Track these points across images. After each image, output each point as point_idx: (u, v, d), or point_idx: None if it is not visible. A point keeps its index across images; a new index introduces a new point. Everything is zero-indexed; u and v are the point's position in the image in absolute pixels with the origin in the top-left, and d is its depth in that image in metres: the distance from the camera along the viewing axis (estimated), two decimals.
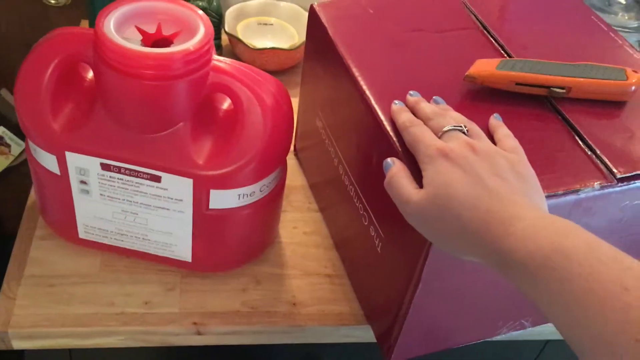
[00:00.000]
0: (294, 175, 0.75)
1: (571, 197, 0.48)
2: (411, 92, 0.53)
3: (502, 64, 0.55)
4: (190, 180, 0.54)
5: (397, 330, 0.56)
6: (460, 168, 0.43)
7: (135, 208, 0.57)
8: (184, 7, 0.53)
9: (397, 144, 0.50)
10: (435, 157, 0.44)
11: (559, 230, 0.38)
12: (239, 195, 0.56)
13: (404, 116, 0.49)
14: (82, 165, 0.55)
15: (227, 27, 0.90)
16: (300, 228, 0.70)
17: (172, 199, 0.56)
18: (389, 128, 0.51)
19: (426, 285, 0.51)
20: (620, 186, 0.49)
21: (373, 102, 0.54)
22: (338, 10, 0.64)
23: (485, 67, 0.55)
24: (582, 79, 0.54)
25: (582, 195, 0.48)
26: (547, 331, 0.64)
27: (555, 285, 0.36)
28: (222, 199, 0.55)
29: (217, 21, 0.89)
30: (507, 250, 0.39)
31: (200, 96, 0.52)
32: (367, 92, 0.55)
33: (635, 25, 0.90)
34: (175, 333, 0.60)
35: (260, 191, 0.57)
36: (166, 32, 0.52)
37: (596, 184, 0.48)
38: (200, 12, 0.53)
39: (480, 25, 0.63)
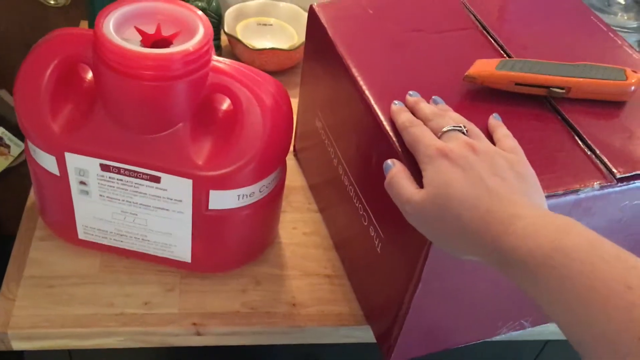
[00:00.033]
0: (294, 175, 0.75)
1: (571, 197, 0.48)
2: (410, 92, 0.53)
3: (502, 64, 0.55)
4: (190, 181, 0.54)
5: (397, 331, 0.56)
6: (460, 168, 0.43)
7: (135, 209, 0.57)
8: (183, 8, 0.53)
9: (397, 144, 0.50)
10: (435, 157, 0.44)
11: (560, 228, 0.38)
12: (239, 195, 0.55)
13: (403, 116, 0.50)
14: (81, 166, 0.55)
15: (226, 27, 0.90)
16: (300, 228, 0.70)
17: (171, 199, 0.56)
18: (388, 128, 0.51)
19: (426, 286, 0.51)
20: (620, 186, 0.49)
21: (372, 102, 0.54)
22: (337, 10, 0.64)
23: (485, 67, 0.55)
24: (581, 79, 0.54)
25: (581, 195, 0.48)
26: (546, 331, 0.64)
27: (557, 283, 0.36)
28: (221, 200, 0.55)
29: (217, 22, 0.89)
30: (508, 249, 0.39)
31: (199, 97, 0.52)
32: (367, 92, 0.55)
33: (635, 25, 0.90)
34: (175, 334, 0.60)
35: (260, 192, 0.57)
36: (165, 32, 0.52)
37: (596, 184, 0.48)
38: (200, 12, 0.53)
39: (479, 25, 0.63)
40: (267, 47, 0.88)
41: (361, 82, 0.55)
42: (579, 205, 0.49)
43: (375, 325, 0.60)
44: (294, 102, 0.63)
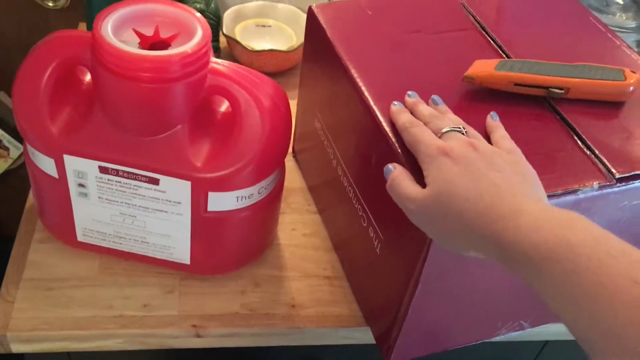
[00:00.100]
0: (293, 176, 0.75)
1: (570, 198, 0.48)
2: (409, 92, 0.53)
3: (501, 64, 0.55)
4: (189, 183, 0.53)
5: (396, 332, 0.56)
6: (461, 165, 0.43)
7: (134, 211, 0.57)
8: (181, 10, 0.53)
9: (396, 145, 0.50)
10: (436, 156, 0.44)
11: (564, 222, 0.38)
12: (237, 197, 0.55)
13: (403, 117, 0.50)
14: (80, 168, 0.55)
15: (225, 29, 0.90)
16: (299, 230, 0.70)
17: (170, 201, 0.56)
18: (387, 129, 0.51)
19: (425, 286, 0.51)
20: (619, 186, 0.49)
21: (372, 103, 0.54)
22: (336, 11, 0.64)
23: (484, 67, 0.55)
24: (580, 80, 0.54)
25: (581, 195, 0.48)
26: (546, 332, 0.64)
27: (562, 278, 0.36)
28: (220, 202, 0.55)
29: (215, 23, 0.89)
30: (512, 243, 0.39)
31: (198, 99, 0.52)
32: (366, 93, 0.54)
33: (633, 25, 0.90)
34: (174, 336, 0.59)
35: (259, 193, 0.57)
36: (164, 34, 0.52)
37: (595, 184, 0.48)
38: (198, 14, 0.53)
39: (478, 26, 0.63)
40: (266, 48, 0.88)
41: (360, 83, 0.55)
42: (578, 206, 0.49)
43: (375, 326, 0.60)
44: (293, 104, 0.63)
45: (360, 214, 0.58)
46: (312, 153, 0.72)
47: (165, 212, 0.57)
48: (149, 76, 0.49)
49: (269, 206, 0.61)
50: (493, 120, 0.50)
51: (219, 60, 0.54)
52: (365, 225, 0.57)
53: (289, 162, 0.76)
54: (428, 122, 0.48)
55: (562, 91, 0.54)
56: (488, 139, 0.48)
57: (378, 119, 0.52)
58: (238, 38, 0.89)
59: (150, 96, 0.50)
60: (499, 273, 0.54)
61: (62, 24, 1.00)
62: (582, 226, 0.38)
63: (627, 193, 0.50)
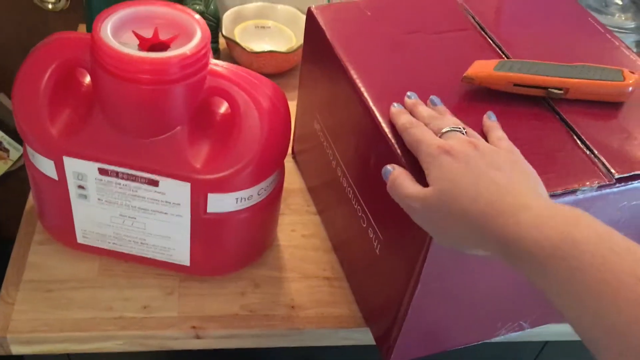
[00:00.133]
0: (292, 178, 0.75)
1: (570, 198, 0.48)
2: (409, 93, 0.53)
3: (500, 65, 0.55)
4: (188, 184, 0.54)
5: (396, 332, 0.56)
6: (462, 163, 0.43)
7: (133, 212, 0.57)
8: (180, 12, 0.53)
9: (396, 146, 0.50)
10: (437, 155, 0.44)
11: (568, 218, 0.38)
12: (237, 199, 0.55)
13: (403, 118, 0.50)
14: (79, 170, 0.55)
15: (224, 30, 0.90)
16: (299, 231, 0.70)
17: (169, 203, 0.56)
18: (387, 130, 0.51)
19: (425, 287, 0.51)
20: (618, 187, 0.49)
21: (371, 103, 0.54)
22: (336, 12, 0.64)
23: (483, 68, 0.55)
24: (579, 80, 0.54)
25: (580, 196, 0.48)
26: (545, 332, 0.64)
27: (566, 275, 0.36)
28: (219, 203, 0.55)
29: (215, 25, 0.89)
30: (515, 240, 0.39)
31: (197, 100, 0.52)
32: (365, 94, 0.55)
33: (632, 25, 0.90)
34: (174, 337, 0.60)
35: (258, 195, 0.57)
36: (163, 36, 0.52)
37: (595, 184, 0.48)
38: (197, 16, 0.53)
39: (477, 26, 0.63)
40: (265, 49, 0.88)
41: (359, 84, 0.55)
42: (577, 206, 0.48)
43: (375, 326, 0.60)
44: (292, 105, 0.63)
45: (360, 214, 0.58)
46: (311, 154, 0.72)
47: (165, 213, 0.57)
48: (149, 78, 0.49)
49: (269, 207, 0.61)
50: (490, 121, 0.50)
51: (218, 62, 0.54)
52: (364, 226, 0.57)
53: (289, 163, 0.76)
54: (428, 122, 0.49)
55: (562, 91, 0.54)
56: (486, 139, 0.48)
57: (377, 119, 0.52)
58: (237, 39, 0.89)
59: (150, 98, 0.50)
60: (499, 273, 0.54)
61: (62, 25, 1.00)
62: (586, 223, 0.38)
63: (627, 193, 0.50)
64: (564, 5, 0.69)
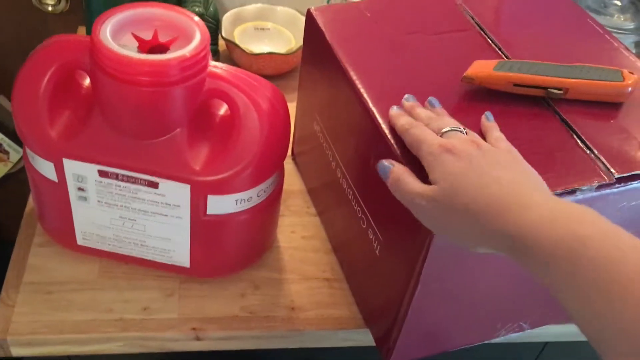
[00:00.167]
0: (292, 179, 0.75)
1: (569, 198, 0.48)
2: (406, 96, 0.53)
3: (500, 65, 0.55)
4: (188, 186, 0.54)
5: (396, 333, 0.56)
6: (465, 161, 0.43)
7: (133, 214, 0.57)
8: (180, 14, 0.53)
9: (395, 147, 0.50)
10: (439, 154, 0.44)
11: (575, 216, 0.38)
12: (237, 200, 0.56)
13: (402, 119, 0.50)
14: (79, 172, 0.55)
15: (224, 32, 0.90)
16: (299, 232, 0.70)
17: (169, 205, 0.56)
18: (386, 131, 0.51)
19: (425, 287, 0.51)
20: (618, 187, 0.49)
21: (371, 105, 0.54)
22: (335, 14, 0.64)
23: (483, 68, 0.55)
24: (579, 80, 0.54)
25: (579, 196, 0.48)
26: (545, 333, 0.64)
27: (572, 272, 0.36)
28: (219, 205, 0.55)
29: (214, 26, 0.89)
30: (521, 236, 0.39)
31: (196, 102, 0.53)
32: (365, 95, 0.55)
33: (631, 26, 0.90)
34: (174, 339, 0.60)
35: (258, 196, 0.57)
36: (162, 38, 0.52)
37: (594, 183, 0.48)
38: (196, 18, 0.53)
39: (477, 26, 0.64)
40: (265, 51, 0.88)
41: (359, 85, 0.55)
42: None
43: (375, 328, 0.60)
44: (292, 106, 0.63)
45: (360, 215, 0.58)
46: (311, 155, 0.72)
47: (165, 215, 0.57)
48: (148, 80, 0.49)
49: (268, 209, 0.61)
50: (488, 122, 0.50)
51: (218, 64, 0.54)
52: (364, 227, 0.57)
53: (288, 164, 0.76)
54: (427, 123, 0.49)
55: (561, 92, 0.54)
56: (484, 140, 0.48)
57: (377, 120, 0.52)
58: (237, 41, 0.89)
59: (149, 100, 0.50)
60: (498, 274, 0.54)
61: (62, 27, 1.00)
62: (592, 220, 0.38)
63: (626, 194, 0.50)
64: (562, 7, 0.69)
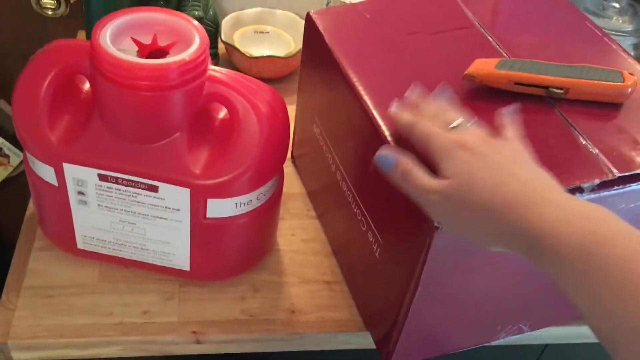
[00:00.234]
0: (292, 182, 0.75)
1: None
2: (412, 88, 0.51)
3: (501, 63, 0.55)
4: (188, 190, 0.54)
5: (396, 336, 0.56)
6: (478, 157, 0.42)
7: (133, 218, 0.57)
8: (179, 18, 0.53)
9: None
10: (452, 149, 0.43)
11: (592, 215, 0.38)
12: (236, 203, 0.56)
13: (406, 115, 0.48)
14: (79, 176, 0.55)
15: (223, 35, 0.90)
16: (299, 235, 0.70)
17: (169, 208, 0.56)
18: (386, 133, 0.51)
19: (425, 290, 0.51)
20: (616, 189, 0.49)
21: (370, 107, 0.54)
22: (334, 17, 0.64)
23: (484, 66, 0.55)
24: (580, 80, 0.54)
25: (578, 196, 0.48)
26: (546, 335, 0.64)
27: (587, 272, 0.36)
28: (219, 208, 0.55)
29: (214, 30, 0.89)
30: (537, 236, 0.38)
31: (196, 106, 0.53)
32: (365, 98, 0.55)
33: (630, 28, 0.90)
34: (175, 342, 0.60)
35: (258, 199, 0.57)
36: (162, 42, 0.52)
37: (596, 181, 0.48)
38: (196, 22, 0.53)
39: (476, 25, 0.63)
40: (265, 54, 0.88)
41: (359, 88, 0.56)
42: None
43: (375, 330, 0.60)
44: (292, 109, 0.63)
45: (360, 218, 0.58)
46: (311, 158, 0.72)
47: (165, 219, 0.57)
48: (148, 84, 0.49)
49: (268, 212, 0.61)
50: (507, 117, 0.48)
51: (217, 68, 0.54)
52: (364, 229, 0.57)
53: (288, 167, 0.76)
54: (435, 115, 0.47)
55: (562, 91, 0.54)
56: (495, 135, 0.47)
57: (377, 123, 0.52)
58: (236, 45, 0.89)
59: (149, 104, 0.50)
60: (498, 276, 0.54)
61: (61, 32, 1.00)
62: (609, 219, 0.37)
63: (625, 196, 0.50)
64: (560, 9, 0.69)
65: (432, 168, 0.45)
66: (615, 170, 0.49)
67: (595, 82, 0.54)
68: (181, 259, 0.61)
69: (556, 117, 0.54)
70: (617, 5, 0.93)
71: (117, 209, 0.57)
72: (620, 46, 0.63)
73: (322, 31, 0.62)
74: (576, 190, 0.48)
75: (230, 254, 0.62)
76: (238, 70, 0.69)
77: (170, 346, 0.60)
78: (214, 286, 0.63)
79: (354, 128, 0.57)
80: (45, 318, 0.59)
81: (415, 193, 0.45)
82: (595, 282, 0.35)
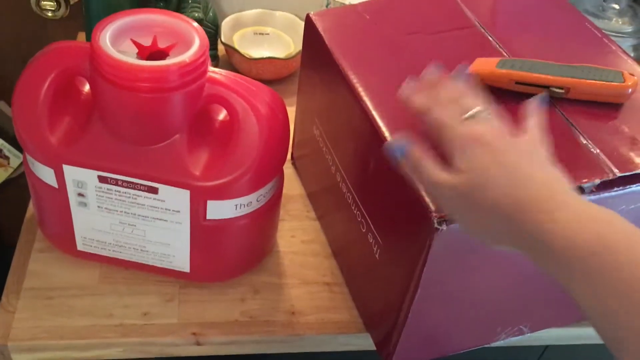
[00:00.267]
0: (292, 183, 0.75)
1: None
2: (432, 68, 0.49)
3: (502, 63, 0.55)
4: (187, 192, 0.54)
5: (396, 337, 0.56)
6: (495, 153, 0.41)
7: (133, 220, 0.57)
8: (179, 20, 0.53)
9: None
10: (466, 142, 0.42)
11: (602, 219, 0.38)
12: (236, 205, 0.56)
13: (421, 98, 0.47)
14: (79, 178, 0.55)
15: (223, 37, 0.90)
16: (299, 237, 0.70)
17: (169, 210, 0.56)
18: (386, 134, 0.51)
19: (425, 291, 0.51)
20: (617, 190, 0.49)
21: (370, 108, 0.54)
22: (334, 18, 0.64)
23: (485, 65, 0.55)
24: (580, 80, 0.54)
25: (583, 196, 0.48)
26: (546, 337, 0.64)
27: (597, 275, 0.36)
28: (219, 210, 0.55)
29: (214, 32, 0.89)
30: (547, 239, 0.38)
31: (196, 108, 0.53)
32: (365, 99, 0.55)
33: (629, 30, 0.91)
34: (175, 344, 0.60)
35: (257, 201, 0.57)
36: (162, 44, 0.52)
37: (595, 181, 0.48)
38: (195, 24, 0.53)
39: (476, 24, 0.63)
40: (264, 56, 0.88)
41: (359, 89, 0.56)
42: None
43: (375, 332, 0.60)
44: (292, 111, 0.63)
45: (360, 219, 0.58)
46: (311, 160, 0.72)
47: (165, 220, 0.57)
48: (147, 86, 0.49)
49: (268, 213, 0.61)
50: (535, 106, 0.46)
51: (217, 70, 0.54)
52: (364, 231, 0.57)
53: (288, 169, 0.76)
54: (452, 100, 0.45)
55: (562, 91, 0.54)
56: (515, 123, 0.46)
57: (377, 124, 0.52)
58: (236, 46, 0.90)
59: (149, 106, 0.50)
60: (498, 277, 0.54)
61: (61, 33, 1.00)
62: (619, 224, 0.37)
63: (625, 197, 0.50)
64: (560, 10, 0.69)
65: (445, 157, 0.44)
66: (615, 170, 0.49)
67: (596, 82, 0.54)
68: (181, 261, 0.61)
69: (557, 117, 0.54)
70: (616, 6, 0.93)
71: (117, 211, 0.57)
72: (620, 47, 0.63)
73: (321, 32, 0.62)
74: (576, 190, 0.48)
75: (230, 255, 0.62)
76: (238, 72, 0.69)
77: (170, 348, 0.60)
78: (214, 288, 0.63)
79: (354, 129, 0.57)
80: (45, 320, 0.59)
81: (424, 184, 0.45)
82: (602, 283, 0.35)
